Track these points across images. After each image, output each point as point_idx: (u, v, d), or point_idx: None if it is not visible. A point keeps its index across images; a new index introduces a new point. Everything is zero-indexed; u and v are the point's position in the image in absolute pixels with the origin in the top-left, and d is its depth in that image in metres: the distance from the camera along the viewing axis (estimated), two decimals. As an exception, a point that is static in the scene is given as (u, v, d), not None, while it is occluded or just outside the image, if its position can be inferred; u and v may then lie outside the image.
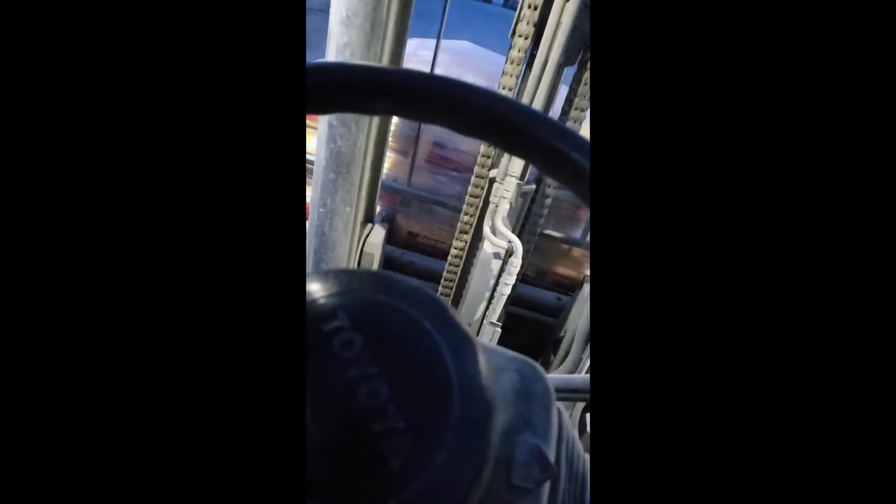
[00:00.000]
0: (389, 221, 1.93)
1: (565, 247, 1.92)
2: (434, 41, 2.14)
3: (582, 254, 1.91)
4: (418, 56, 1.92)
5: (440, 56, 1.76)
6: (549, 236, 1.85)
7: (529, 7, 1.21)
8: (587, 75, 1.25)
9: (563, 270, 1.97)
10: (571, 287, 1.92)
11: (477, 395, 0.25)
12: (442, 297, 0.30)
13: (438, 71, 1.89)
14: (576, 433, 0.37)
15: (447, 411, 0.24)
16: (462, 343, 0.26)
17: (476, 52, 2.28)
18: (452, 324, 0.27)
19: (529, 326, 1.82)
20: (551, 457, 0.31)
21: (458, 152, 1.87)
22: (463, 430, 0.24)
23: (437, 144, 1.87)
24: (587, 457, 0.36)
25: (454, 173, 1.88)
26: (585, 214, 1.86)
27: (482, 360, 0.27)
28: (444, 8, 1.54)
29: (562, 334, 1.69)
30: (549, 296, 1.86)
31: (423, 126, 1.81)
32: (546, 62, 1.23)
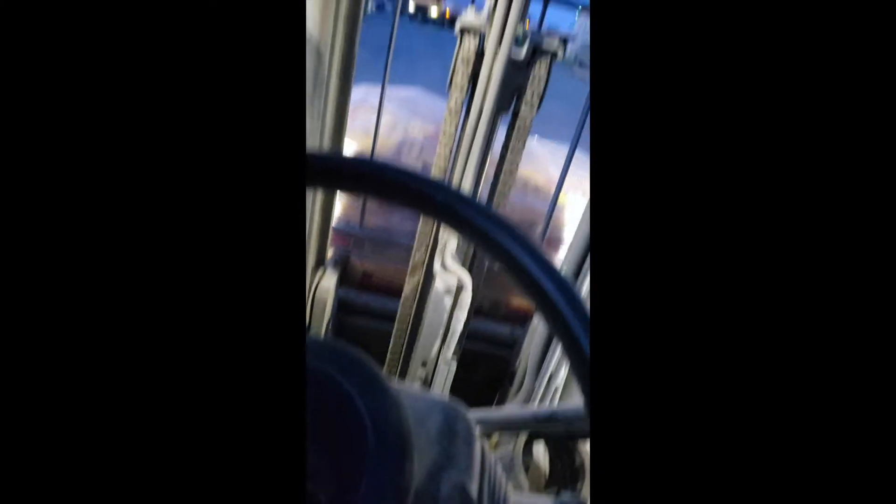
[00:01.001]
0: (343, 263, 1.94)
1: (516, 279, 1.99)
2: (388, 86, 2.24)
3: (532, 285, 1.98)
4: (367, 102, 2.00)
5: (387, 104, 1.84)
6: (495, 269, 1.91)
7: (463, 62, 1.31)
8: (518, 122, 1.36)
9: (516, 302, 2.04)
10: (525, 319, 1.98)
11: (391, 428, 0.28)
12: (350, 347, 0.32)
13: (385, 118, 1.97)
14: (500, 465, 0.40)
15: (363, 446, 0.27)
16: (369, 383, 0.30)
17: (423, 99, 2.39)
18: (360, 368, 0.30)
19: (486, 360, 1.85)
20: (474, 490, 0.33)
21: (408, 194, 1.93)
22: (381, 462, 0.27)
23: (388, 187, 1.92)
24: (510, 486, 0.39)
25: (405, 213, 1.94)
26: (532, 248, 1.94)
27: (393, 397, 0.30)
28: (387, 58, 1.64)
29: (517, 365, 1.74)
30: (504, 328, 1.91)
31: (373, 170, 1.87)
32: (481, 111, 1.33)
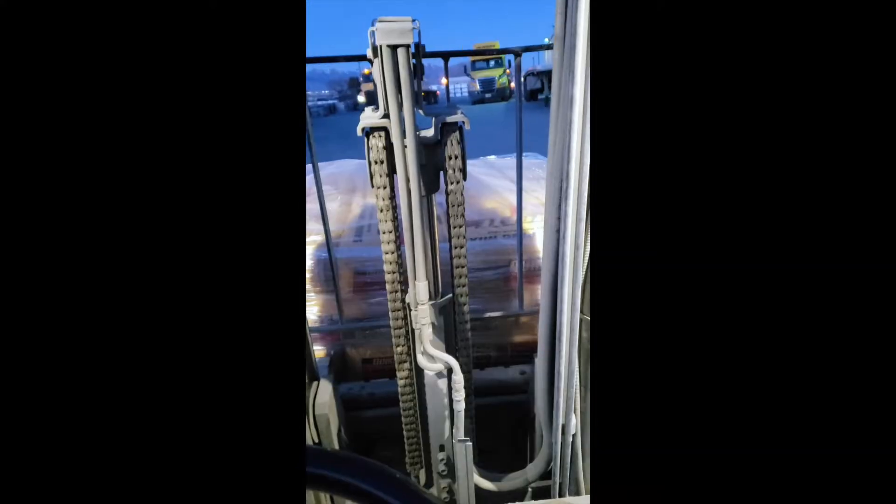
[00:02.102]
0: (341, 358, 1.94)
1: (511, 319, 1.96)
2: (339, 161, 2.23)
3: (528, 319, 1.95)
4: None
5: (327, 183, 1.84)
6: (490, 318, 1.89)
7: (376, 163, 1.28)
8: (451, 199, 1.33)
9: (518, 339, 2.01)
10: (531, 353, 1.95)
11: None
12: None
13: (327, 190, 1.96)
14: None
15: None
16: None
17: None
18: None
19: (503, 412, 1.83)
20: None
21: (381, 273, 1.92)
22: None
23: (358, 273, 1.91)
24: None
25: (384, 291, 1.92)
26: (515, 284, 1.91)
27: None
28: (308, 131, 1.63)
29: (535, 411, 1.71)
30: (514, 372, 1.89)
31: (338, 261, 1.86)
32: (410, 198, 1.30)
